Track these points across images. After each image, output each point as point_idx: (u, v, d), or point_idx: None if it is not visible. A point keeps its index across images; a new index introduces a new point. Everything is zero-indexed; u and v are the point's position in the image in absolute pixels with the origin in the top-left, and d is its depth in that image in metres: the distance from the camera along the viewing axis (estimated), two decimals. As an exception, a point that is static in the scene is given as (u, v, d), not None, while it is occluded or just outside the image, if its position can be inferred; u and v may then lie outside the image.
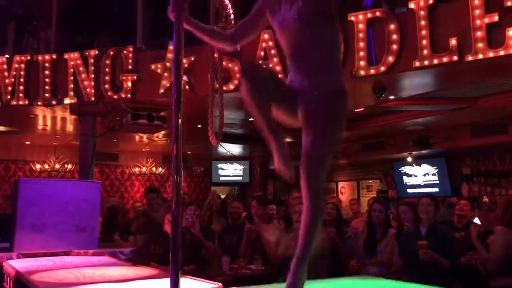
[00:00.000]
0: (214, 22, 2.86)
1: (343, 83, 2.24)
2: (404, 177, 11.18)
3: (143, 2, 6.75)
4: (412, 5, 5.22)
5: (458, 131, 9.10)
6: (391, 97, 6.64)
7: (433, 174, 10.72)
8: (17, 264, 3.61)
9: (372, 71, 5.38)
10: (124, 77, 6.47)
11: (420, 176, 10.90)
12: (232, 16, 3.09)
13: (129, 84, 6.45)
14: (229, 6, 3.07)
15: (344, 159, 11.54)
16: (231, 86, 5.92)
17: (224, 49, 2.54)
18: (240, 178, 12.03)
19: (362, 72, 5.41)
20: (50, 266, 3.53)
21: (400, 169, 11.26)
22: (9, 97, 6.74)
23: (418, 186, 10.80)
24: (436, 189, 10.26)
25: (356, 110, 7.99)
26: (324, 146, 2.16)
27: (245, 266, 5.04)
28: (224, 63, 5.43)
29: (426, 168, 10.85)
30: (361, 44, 5.40)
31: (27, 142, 10.57)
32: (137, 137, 9.89)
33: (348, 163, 11.96)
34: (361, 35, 5.39)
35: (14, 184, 5.40)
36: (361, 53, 5.39)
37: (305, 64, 2.20)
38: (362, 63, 5.39)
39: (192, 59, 6.05)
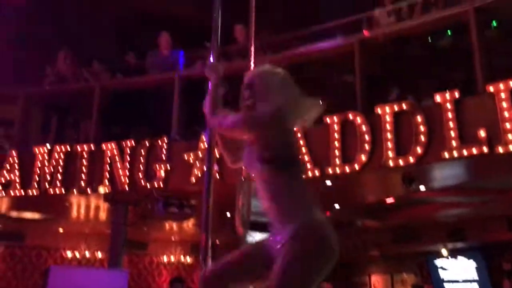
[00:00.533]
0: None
1: (310, 216, 2.06)
2: (440, 271, 10.68)
3: (179, 95, 7.11)
4: (438, 98, 5.34)
5: (494, 223, 8.80)
6: (422, 188, 6.58)
7: (471, 269, 10.22)
8: None
9: (401, 162, 5.40)
10: (157, 166, 6.66)
11: (458, 270, 10.41)
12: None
13: (162, 173, 6.63)
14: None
15: (377, 251, 11.20)
16: (261, 176, 6.00)
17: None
18: (269, 269, 11.72)
19: (391, 163, 5.44)
20: None
21: (435, 262, 10.80)
22: (47, 185, 6.99)
23: (456, 281, 10.28)
24: (475, 285, 9.74)
25: (387, 201, 7.90)
26: None
27: None
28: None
29: (463, 262, 10.38)
30: (389, 135, 5.48)
31: (60, 230, 10.73)
32: (167, 226, 9.93)
33: (380, 255, 11.58)
34: (388, 126, 5.50)
35: (44, 272, 5.46)
36: (389, 144, 5.46)
37: (268, 212, 2.17)
38: (390, 154, 5.44)
39: (223, 149, 6.23)
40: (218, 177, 6.15)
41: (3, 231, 10.43)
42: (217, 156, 6.13)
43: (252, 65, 3.44)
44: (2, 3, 10.44)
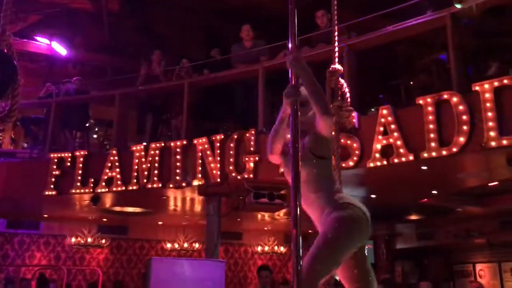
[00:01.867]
0: (330, 101, 2.93)
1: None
2: (556, 259, 9.79)
3: (263, 89, 7.13)
4: (545, 69, 4.85)
5: None
6: (531, 169, 6.03)
7: None
8: None
9: (504, 142, 4.98)
10: (247, 159, 6.75)
11: None
12: (348, 94, 3.13)
13: (251, 164, 6.70)
14: (345, 85, 3.13)
15: (482, 238, 10.51)
16: (351, 163, 5.86)
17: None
18: (364, 258, 11.47)
19: (493, 143, 5.03)
20: None
21: (550, 249, 9.92)
22: (145, 180, 7.36)
23: None
24: None
25: (490, 184, 7.37)
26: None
27: None
28: (342, 140, 5.44)
29: None
30: (490, 114, 5.07)
31: (160, 223, 11.30)
32: (259, 216, 10.06)
33: (486, 242, 10.85)
34: (488, 104, 5.08)
35: (146, 263, 5.76)
36: (490, 123, 5.05)
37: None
38: (492, 133, 5.03)
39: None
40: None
41: (109, 225, 11.23)
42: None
43: (337, 49, 3.33)
44: (99, 10, 11.17)
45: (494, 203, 8.63)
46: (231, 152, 6.91)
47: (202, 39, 11.30)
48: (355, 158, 5.84)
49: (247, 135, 6.83)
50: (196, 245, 11.63)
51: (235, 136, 6.92)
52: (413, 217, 10.20)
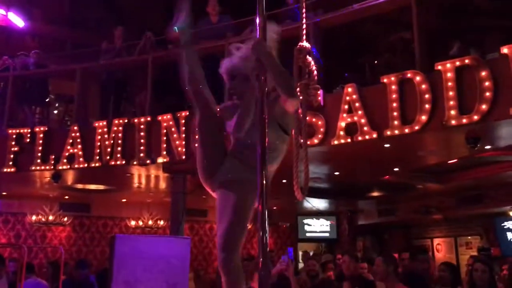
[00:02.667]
0: (298, 79, 2.91)
1: None
2: (509, 234, 10.26)
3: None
4: (505, 50, 4.97)
5: None
6: (488, 147, 6.25)
7: (542, 230, 9.75)
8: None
9: (464, 120, 5.12)
10: (212, 136, 6.68)
11: (527, 232, 9.96)
12: (315, 73, 3.13)
13: (217, 142, 6.65)
14: (312, 63, 3.11)
15: (439, 214, 10.89)
16: (315, 141, 5.91)
17: None
18: (327, 234, 11.72)
19: (453, 122, 5.17)
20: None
21: (503, 224, 10.38)
22: (108, 157, 7.22)
23: (526, 243, 9.85)
24: (547, 247, 9.29)
25: (449, 162, 7.60)
26: None
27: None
28: (308, 118, 5.47)
29: (533, 223, 9.91)
30: (451, 93, 5.18)
31: (123, 200, 11.17)
32: (224, 193, 10.07)
33: (443, 218, 11.26)
34: (450, 83, 5.19)
35: (110, 240, 5.67)
36: (451, 102, 5.17)
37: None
38: (452, 112, 5.16)
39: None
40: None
41: (71, 202, 11.02)
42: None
43: (304, 26, 3.29)
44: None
45: (452, 180, 8.93)
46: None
47: (166, 13, 11.05)
48: (319, 136, 5.89)
49: (213, 112, 6.74)
50: (161, 223, 11.57)
51: (200, 113, 6.83)
52: (375, 194, 10.45)
